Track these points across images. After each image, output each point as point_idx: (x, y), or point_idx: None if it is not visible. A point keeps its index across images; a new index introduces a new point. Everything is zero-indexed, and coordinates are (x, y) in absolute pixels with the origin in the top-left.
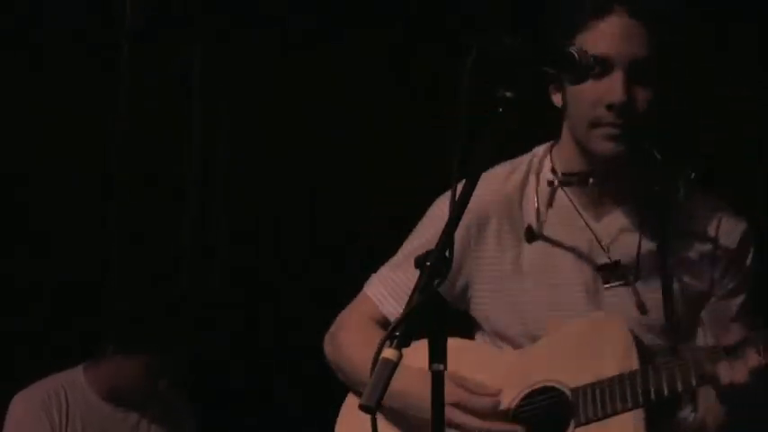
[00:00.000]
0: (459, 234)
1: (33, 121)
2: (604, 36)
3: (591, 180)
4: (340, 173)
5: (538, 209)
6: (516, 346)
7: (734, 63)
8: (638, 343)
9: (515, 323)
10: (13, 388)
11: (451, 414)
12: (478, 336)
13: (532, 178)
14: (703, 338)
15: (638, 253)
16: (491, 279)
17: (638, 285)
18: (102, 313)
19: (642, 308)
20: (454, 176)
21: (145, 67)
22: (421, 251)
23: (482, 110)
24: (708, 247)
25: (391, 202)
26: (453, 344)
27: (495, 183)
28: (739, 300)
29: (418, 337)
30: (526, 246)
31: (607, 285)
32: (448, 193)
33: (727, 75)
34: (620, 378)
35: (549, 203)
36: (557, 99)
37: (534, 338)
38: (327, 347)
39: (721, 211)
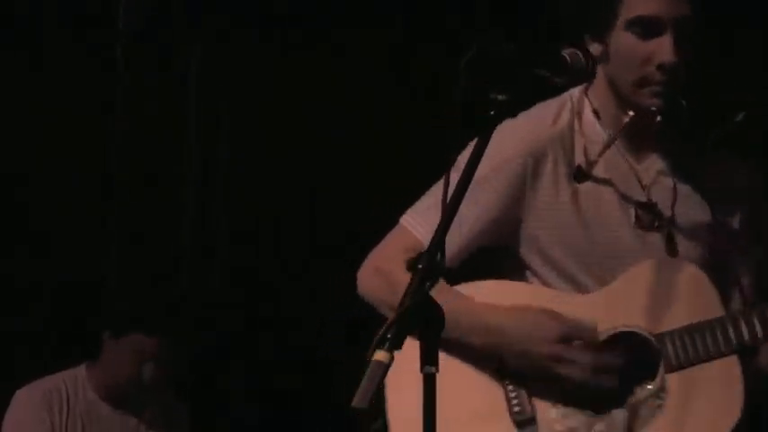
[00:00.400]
0: (514, 169)
1: (33, 121)
2: None
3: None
4: (340, 173)
5: (586, 148)
6: (577, 285)
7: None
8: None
9: (577, 262)
10: (13, 388)
11: (559, 350)
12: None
13: (576, 119)
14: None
15: (674, 196)
16: (549, 216)
17: (674, 229)
18: (101, 313)
19: (674, 252)
20: (446, 178)
21: (144, 67)
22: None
23: (476, 112)
24: (740, 194)
25: (391, 202)
26: (508, 288)
27: (546, 120)
28: None
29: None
30: (579, 186)
31: (645, 227)
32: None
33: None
34: (710, 324)
35: (594, 143)
36: (594, 49)
37: (596, 277)
38: (374, 280)
39: (746, 164)
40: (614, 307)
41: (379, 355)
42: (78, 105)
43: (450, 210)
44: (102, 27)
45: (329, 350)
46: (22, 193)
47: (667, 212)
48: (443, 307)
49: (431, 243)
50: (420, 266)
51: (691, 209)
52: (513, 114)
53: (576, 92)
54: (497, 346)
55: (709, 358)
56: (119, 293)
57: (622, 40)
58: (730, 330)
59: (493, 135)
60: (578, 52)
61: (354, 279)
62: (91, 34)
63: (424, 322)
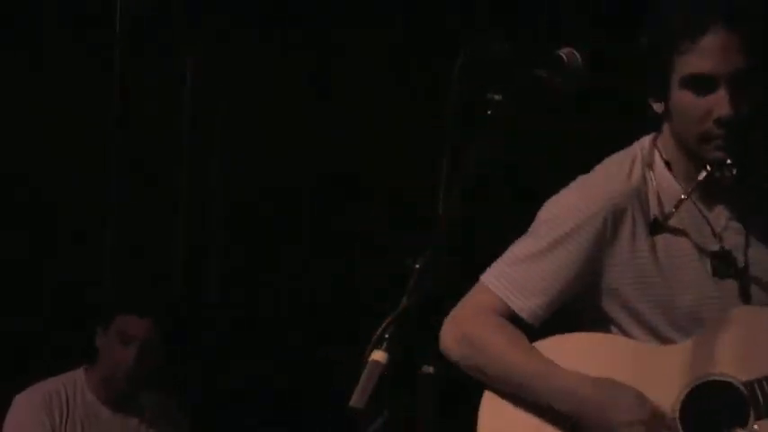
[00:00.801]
0: (595, 226)
1: (32, 121)
2: (703, 56)
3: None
4: (339, 173)
5: (660, 200)
6: (660, 336)
7: None
8: None
9: (661, 314)
10: (13, 388)
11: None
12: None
13: (648, 171)
14: None
15: (747, 243)
16: (630, 270)
17: (748, 277)
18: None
19: (748, 298)
20: (444, 178)
21: (142, 67)
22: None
23: (473, 112)
24: None
25: (390, 203)
26: (595, 340)
27: (622, 174)
28: None
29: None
30: (655, 237)
31: (721, 275)
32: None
33: None
34: None
35: (668, 195)
36: (657, 107)
37: (679, 328)
38: (463, 350)
39: None
40: (702, 357)
41: (377, 355)
42: (76, 105)
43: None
44: (100, 27)
45: (328, 350)
46: (22, 193)
47: (741, 259)
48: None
49: (430, 244)
50: (418, 267)
51: (763, 254)
52: (511, 114)
53: (645, 143)
54: (573, 412)
55: None
56: (114, 293)
57: (679, 98)
58: None
59: (571, 189)
60: (575, 52)
61: (355, 278)
62: (89, 35)
63: (421, 322)
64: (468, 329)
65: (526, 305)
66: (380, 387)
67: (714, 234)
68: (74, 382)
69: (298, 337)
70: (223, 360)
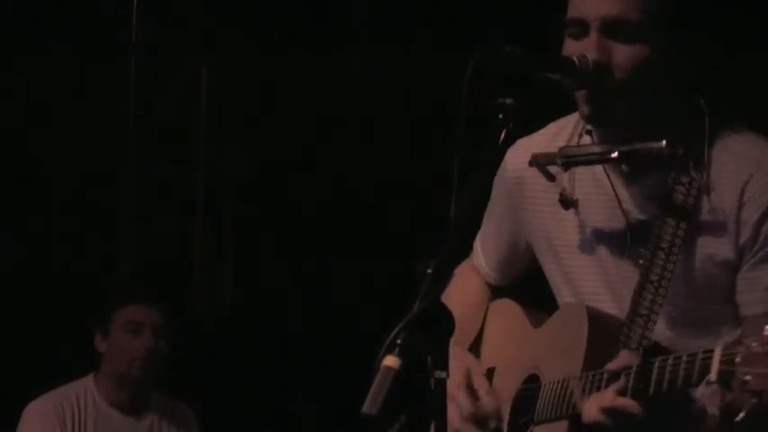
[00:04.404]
0: (505, 186)
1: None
2: (578, 1)
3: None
4: (352, 181)
5: (572, 172)
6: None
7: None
8: (594, 340)
9: (567, 287)
10: (23, 401)
11: (451, 390)
12: None
13: (575, 137)
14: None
15: (655, 223)
16: (544, 242)
17: (649, 261)
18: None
19: (654, 282)
20: (455, 184)
21: (154, 76)
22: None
23: (484, 116)
24: (734, 208)
25: (406, 208)
26: (506, 308)
27: (546, 136)
28: None
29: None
30: (562, 205)
31: (626, 257)
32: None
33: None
34: (561, 383)
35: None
36: None
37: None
38: None
39: (755, 165)
40: (540, 346)
41: (389, 361)
42: (92, 113)
43: (459, 215)
44: (110, 38)
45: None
46: (43, 197)
47: (650, 238)
48: None
49: (441, 248)
50: (429, 271)
51: (677, 231)
52: (521, 118)
53: None
54: None
55: (551, 419)
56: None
57: (565, 46)
58: (566, 393)
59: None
60: (587, 55)
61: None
62: (105, 45)
63: (433, 327)
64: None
65: (480, 264)
66: (394, 393)
67: (623, 212)
68: (84, 389)
69: (316, 341)
70: (236, 362)
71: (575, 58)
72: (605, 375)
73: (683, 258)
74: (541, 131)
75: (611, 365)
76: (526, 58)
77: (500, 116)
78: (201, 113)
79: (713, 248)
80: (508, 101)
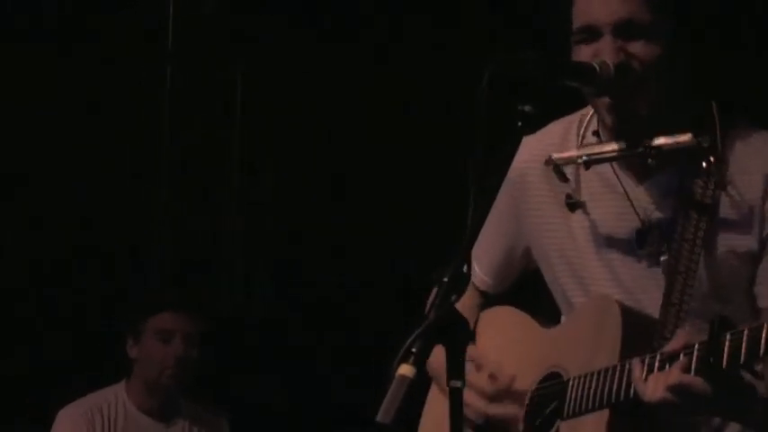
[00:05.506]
0: (507, 189)
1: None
2: (587, 6)
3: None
4: (387, 193)
5: (577, 174)
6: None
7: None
8: (628, 330)
9: (578, 291)
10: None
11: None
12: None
13: (580, 137)
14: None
15: (676, 218)
16: (550, 244)
17: (675, 255)
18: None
19: (682, 273)
20: (473, 191)
21: (188, 83)
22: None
23: (500, 124)
24: (758, 199)
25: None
26: (505, 315)
27: (553, 137)
28: None
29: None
30: (570, 207)
31: (641, 255)
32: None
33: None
34: (599, 374)
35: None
36: None
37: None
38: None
39: None
40: (558, 343)
41: (404, 369)
42: (128, 119)
43: (473, 223)
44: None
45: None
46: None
47: (669, 236)
48: None
49: (456, 256)
50: (445, 280)
51: (697, 227)
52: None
53: (591, 108)
54: None
55: (586, 410)
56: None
57: (575, 53)
58: (606, 382)
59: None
60: (607, 62)
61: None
62: (142, 47)
63: (449, 336)
64: None
65: (475, 270)
66: (408, 402)
67: (636, 212)
68: (115, 395)
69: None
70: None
71: (595, 65)
72: (663, 357)
73: (706, 253)
74: (544, 131)
75: (671, 346)
76: (546, 66)
77: (519, 124)
78: (236, 118)
79: (736, 241)
80: (527, 108)
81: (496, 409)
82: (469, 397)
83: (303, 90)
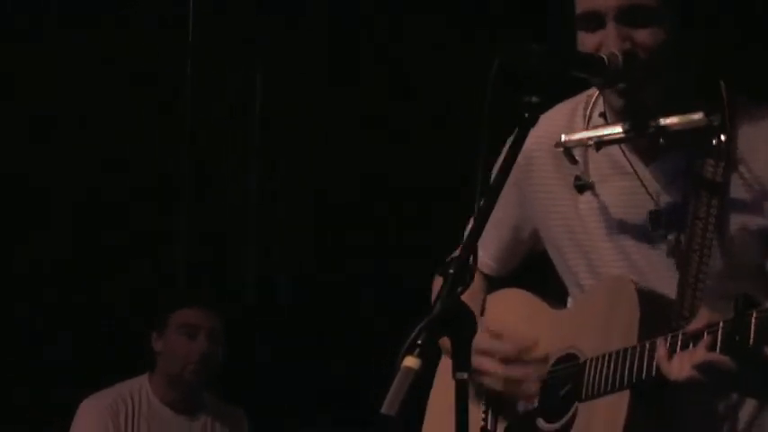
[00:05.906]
0: (510, 184)
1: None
2: None
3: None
4: (401, 188)
5: (585, 155)
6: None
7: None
8: (645, 310)
9: (587, 273)
10: (80, 394)
11: (478, 362)
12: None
13: (585, 120)
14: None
15: (687, 199)
16: (558, 226)
17: (689, 235)
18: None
19: (697, 251)
20: (479, 183)
21: (207, 83)
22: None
23: (506, 114)
24: (767, 177)
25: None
26: (515, 297)
27: (559, 119)
28: None
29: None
30: (578, 188)
31: (654, 236)
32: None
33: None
34: (618, 354)
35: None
36: None
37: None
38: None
39: None
40: (573, 324)
41: (409, 361)
42: (148, 116)
43: (480, 215)
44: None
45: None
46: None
47: (680, 216)
48: None
49: (462, 248)
50: (451, 271)
51: (708, 206)
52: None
53: (596, 90)
54: None
55: (605, 392)
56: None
57: (578, 41)
58: (626, 363)
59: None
60: (616, 53)
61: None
62: (162, 47)
63: (455, 327)
64: None
65: (479, 254)
66: (413, 394)
67: (648, 192)
68: (139, 388)
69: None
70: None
71: (604, 57)
72: (686, 336)
73: (719, 232)
74: (549, 113)
75: (694, 325)
76: (555, 57)
77: (526, 115)
78: (255, 117)
79: (748, 219)
80: (534, 99)
81: (514, 370)
82: (485, 363)
83: (319, 86)
